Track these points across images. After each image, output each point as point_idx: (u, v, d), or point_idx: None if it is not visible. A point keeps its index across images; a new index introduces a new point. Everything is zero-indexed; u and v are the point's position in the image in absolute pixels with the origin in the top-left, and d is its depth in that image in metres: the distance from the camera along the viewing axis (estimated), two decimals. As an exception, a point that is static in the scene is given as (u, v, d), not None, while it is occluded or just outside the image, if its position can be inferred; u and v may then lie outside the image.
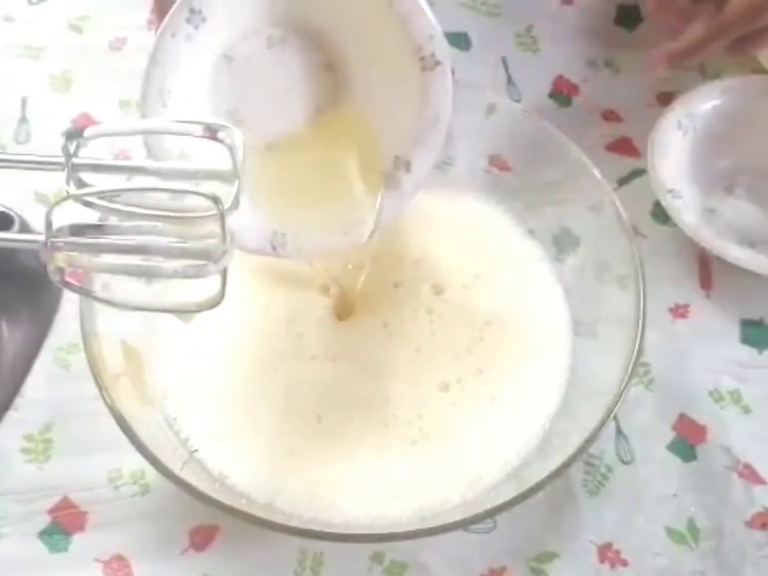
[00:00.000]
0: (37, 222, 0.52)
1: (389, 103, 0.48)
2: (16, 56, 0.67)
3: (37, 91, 0.65)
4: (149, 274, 0.37)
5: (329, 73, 0.48)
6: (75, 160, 0.37)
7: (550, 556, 0.50)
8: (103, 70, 0.66)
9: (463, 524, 0.44)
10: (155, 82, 0.43)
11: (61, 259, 0.36)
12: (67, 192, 0.37)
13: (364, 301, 0.54)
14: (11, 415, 0.53)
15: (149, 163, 0.40)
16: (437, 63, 0.47)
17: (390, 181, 0.49)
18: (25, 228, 0.52)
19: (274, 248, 0.48)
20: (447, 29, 0.68)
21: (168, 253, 0.36)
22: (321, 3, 0.46)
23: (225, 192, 0.37)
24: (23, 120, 0.64)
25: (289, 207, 0.48)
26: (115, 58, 0.67)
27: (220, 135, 0.37)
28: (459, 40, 0.69)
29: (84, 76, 0.66)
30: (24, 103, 0.65)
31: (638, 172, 0.61)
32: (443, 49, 0.47)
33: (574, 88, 0.67)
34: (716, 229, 0.57)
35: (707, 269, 0.59)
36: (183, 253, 0.37)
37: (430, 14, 0.45)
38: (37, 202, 0.59)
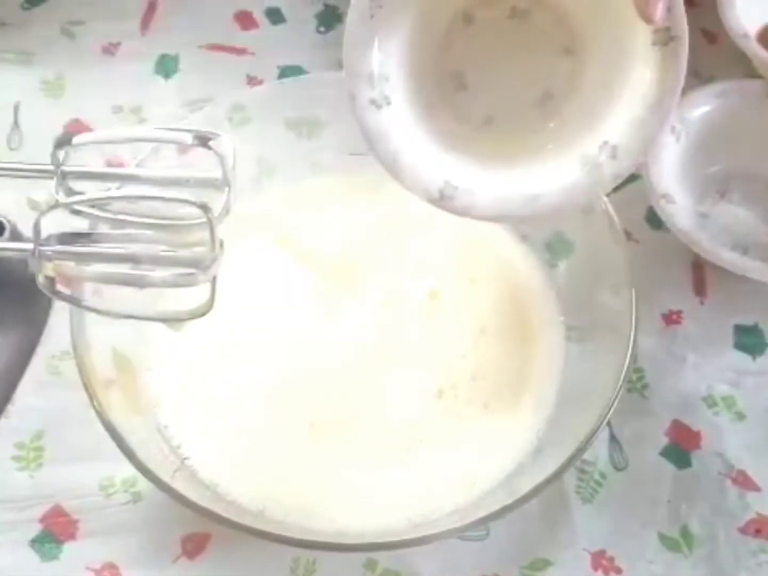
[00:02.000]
0: (29, 229, 0.52)
1: (612, 84, 0.44)
2: (9, 62, 0.67)
3: (30, 97, 0.65)
4: (138, 284, 0.37)
5: (566, 57, 0.45)
6: (65, 168, 0.37)
7: (544, 564, 0.49)
8: (96, 75, 0.66)
9: (457, 532, 0.44)
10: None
11: (50, 268, 0.36)
12: (57, 200, 0.37)
13: (359, 306, 0.54)
14: (3, 422, 0.52)
15: (140, 171, 0.40)
16: (671, 38, 0.41)
17: (590, 166, 0.45)
18: (16, 235, 0.52)
19: (441, 197, 0.45)
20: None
21: (157, 261, 0.36)
22: None
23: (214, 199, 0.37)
24: (15, 126, 0.64)
25: (481, 165, 0.46)
26: (108, 64, 0.67)
27: (211, 143, 0.37)
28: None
29: (77, 82, 0.66)
30: (16, 108, 0.64)
31: (631, 178, 0.61)
32: (681, 25, 0.41)
33: (568, 93, 0.67)
34: (710, 234, 0.57)
35: (701, 274, 0.59)
36: (172, 262, 0.36)
37: None
38: (29, 208, 0.58)
